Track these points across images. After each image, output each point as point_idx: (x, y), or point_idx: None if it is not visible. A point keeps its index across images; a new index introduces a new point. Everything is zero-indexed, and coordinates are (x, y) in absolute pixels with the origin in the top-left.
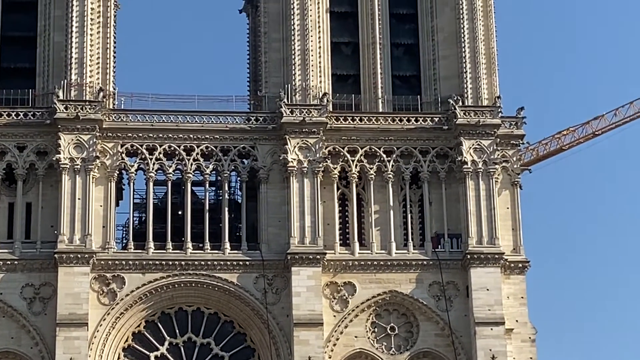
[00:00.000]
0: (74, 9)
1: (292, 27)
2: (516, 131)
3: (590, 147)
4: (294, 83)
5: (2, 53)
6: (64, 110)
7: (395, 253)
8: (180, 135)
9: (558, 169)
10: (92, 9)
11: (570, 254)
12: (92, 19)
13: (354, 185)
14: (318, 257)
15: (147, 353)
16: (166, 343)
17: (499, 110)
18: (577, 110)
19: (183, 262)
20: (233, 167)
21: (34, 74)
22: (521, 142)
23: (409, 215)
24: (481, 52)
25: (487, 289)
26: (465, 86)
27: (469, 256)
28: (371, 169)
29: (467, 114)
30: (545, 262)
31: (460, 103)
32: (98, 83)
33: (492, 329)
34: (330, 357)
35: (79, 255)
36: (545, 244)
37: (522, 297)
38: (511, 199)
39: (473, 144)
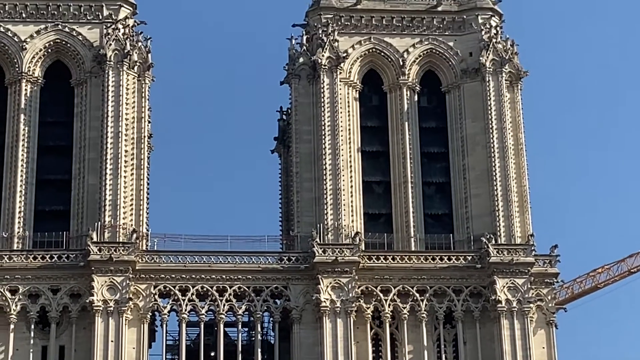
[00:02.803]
0: (108, 151)
1: (324, 167)
2: (550, 269)
3: (625, 284)
4: (326, 222)
5: (38, 196)
6: (98, 252)
7: None
8: (213, 276)
9: (594, 308)
10: (125, 151)
11: None
12: (125, 161)
13: (387, 324)
14: None
15: None
16: None
17: (532, 248)
18: (612, 247)
19: None
20: (266, 308)
21: (69, 216)
22: (555, 280)
23: (444, 355)
24: (513, 190)
25: None
26: (498, 224)
27: None
28: (404, 308)
29: (500, 252)
30: None
31: (493, 241)
32: (131, 224)
33: None
34: None
35: None
36: None
37: None
38: (547, 338)
39: (507, 283)
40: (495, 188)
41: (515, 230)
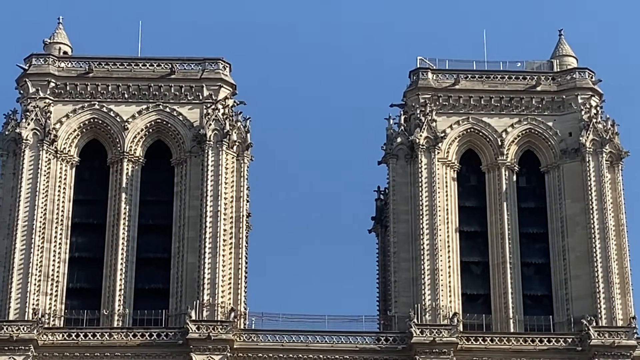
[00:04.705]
0: (207, 230)
1: (422, 247)
2: None
3: None
4: (423, 303)
5: (138, 274)
6: (196, 331)
7: None
8: (310, 355)
9: None
10: (224, 230)
11: None
12: (224, 240)
13: None
14: None
15: None
16: None
17: (635, 331)
18: None
19: None
20: None
21: (168, 294)
22: None
23: None
24: (614, 271)
25: None
26: (599, 306)
27: None
28: None
29: (601, 334)
30: None
31: (594, 323)
32: (230, 303)
33: None
34: None
35: None
36: None
37: None
38: None
39: None
40: (596, 270)
41: (617, 312)
